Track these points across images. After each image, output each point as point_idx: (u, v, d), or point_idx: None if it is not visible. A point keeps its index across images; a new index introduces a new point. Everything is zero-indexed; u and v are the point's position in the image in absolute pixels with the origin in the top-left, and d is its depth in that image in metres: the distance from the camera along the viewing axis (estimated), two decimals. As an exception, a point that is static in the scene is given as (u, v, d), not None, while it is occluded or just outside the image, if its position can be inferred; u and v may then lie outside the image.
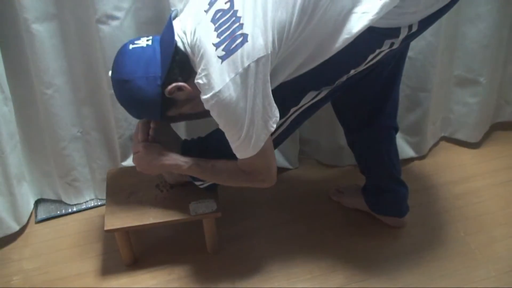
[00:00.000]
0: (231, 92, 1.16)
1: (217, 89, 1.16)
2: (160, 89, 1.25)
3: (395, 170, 1.63)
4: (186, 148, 1.51)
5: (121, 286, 1.58)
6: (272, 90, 1.27)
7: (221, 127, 1.24)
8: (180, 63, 1.25)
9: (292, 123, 1.40)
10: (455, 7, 1.77)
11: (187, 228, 1.70)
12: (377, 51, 1.26)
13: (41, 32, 1.49)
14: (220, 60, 1.15)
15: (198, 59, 1.20)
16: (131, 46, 1.27)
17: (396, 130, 1.61)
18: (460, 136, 2.05)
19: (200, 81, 1.19)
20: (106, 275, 1.61)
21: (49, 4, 1.48)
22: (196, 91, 1.24)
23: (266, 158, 1.31)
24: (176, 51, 1.24)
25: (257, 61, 1.14)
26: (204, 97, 1.19)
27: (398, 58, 1.46)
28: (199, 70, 1.20)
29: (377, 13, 1.14)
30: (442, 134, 2.08)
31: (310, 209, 1.81)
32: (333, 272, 1.59)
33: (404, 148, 1.95)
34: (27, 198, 1.80)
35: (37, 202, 1.86)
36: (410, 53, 1.68)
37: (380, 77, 1.46)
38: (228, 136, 1.25)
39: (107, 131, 1.75)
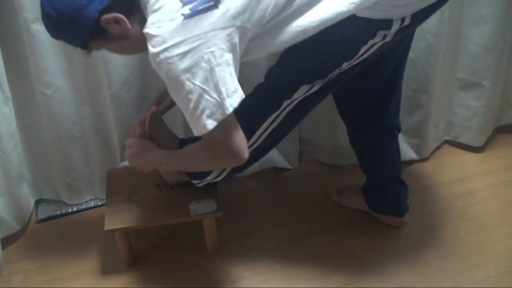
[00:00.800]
0: (183, 52, 1.07)
1: (168, 44, 1.07)
2: (97, 13, 1.11)
3: (396, 169, 1.64)
4: (182, 147, 1.50)
5: (121, 286, 1.58)
6: (264, 82, 1.25)
7: (169, 90, 1.16)
8: None
9: (287, 118, 1.37)
10: (458, 8, 1.78)
11: (187, 228, 1.70)
12: (370, 42, 1.24)
13: (41, 32, 1.49)
14: (182, 17, 1.08)
15: (154, 7, 1.11)
16: None
17: (398, 129, 1.61)
18: (463, 139, 2.03)
19: (150, 31, 1.09)
20: (106, 275, 1.61)
21: (49, 4, 1.48)
22: (134, 31, 1.16)
23: (226, 132, 1.18)
24: None
25: (222, 30, 1.08)
26: (152, 50, 1.09)
27: (400, 57, 1.46)
28: (151, 19, 1.11)
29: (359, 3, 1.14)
30: (446, 138, 2.07)
31: (310, 209, 1.81)
32: (333, 272, 1.59)
33: (406, 149, 1.94)
34: (28, 198, 1.80)
35: (37, 202, 1.86)
36: (411, 55, 1.67)
37: (383, 76, 1.46)
38: (177, 102, 1.17)
39: (107, 131, 1.75)
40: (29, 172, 1.78)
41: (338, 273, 1.58)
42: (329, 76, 1.31)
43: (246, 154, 1.22)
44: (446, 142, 2.08)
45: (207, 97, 1.11)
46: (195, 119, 1.14)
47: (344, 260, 1.62)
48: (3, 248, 1.69)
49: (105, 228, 1.51)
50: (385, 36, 1.24)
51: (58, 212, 1.83)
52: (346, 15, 1.16)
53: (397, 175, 1.65)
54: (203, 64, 1.09)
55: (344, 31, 1.19)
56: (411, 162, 1.97)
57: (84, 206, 1.85)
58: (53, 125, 1.66)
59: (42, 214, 1.82)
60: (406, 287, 1.53)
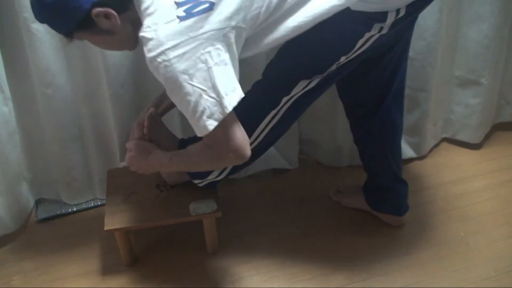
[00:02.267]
0: (180, 54, 1.09)
1: (165, 47, 1.09)
2: (90, 5, 1.12)
3: (397, 168, 1.64)
4: (182, 147, 1.50)
5: (121, 286, 1.58)
6: (262, 79, 1.26)
7: (168, 93, 1.18)
8: None
9: (286, 114, 1.37)
10: (456, 6, 1.78)
11: (187, 228, 1.70)
12: (366, 35, 1.24)
13: (41, 32, 1.49)
14: (178, 20, 1.09)
15: (149, 10, 1.12)
16: None
17: (401, 127, 1.61)
18: (461, 137, 2.04)
19: (146, 35, 1.11)
20: (106, 275, 1.61)
21: (49, 4, 1.48)
22: (121, 29, 1.18)
23: (227, 131, 1.18)
24: None
25: (218, 31, 1.10)
26: (149, 54, 1.11)
27: (400, 53, 1.45)
28: (147, 23, 1.12)
29: None
30: (444, 136, 2.08)
31: (310, 209, 1.81)
32: (333, 272, 1.59)
33: (404, 147, 1.94)
34: (27, 198, 1.80)
35: (37, 202, 1.86)
36: (409, 53, 1.68)
37: (385, 72, 1.46)
38: (177, 104, 1.18)
39: (106, 131, 1.75)
40: (29, 172, 1.78)
41: (338, 273, 1.58)
42: (327, 71, 1.31)
43: (248, 151, 1.23)
44: (444, 139, 2.08)
45: (206, 97, 1.12)
46: (195, 120, 1.15)
47: (344, 260, 1.62)
48: (2, 247, 1.69)
49: (105, 228, 1.51)
50: (381, 29, 1.24)
51: (58, 212, 1.83)
52: (339, 9, 1.17)
53: (398, 174, 1.65)
54: (201, 65, 1.10)
55: (340, 26, 1.19)
56: (409, 160, 1.97)
57: (84, 206, 1.85)
58: (53, 125, 1.66)
59: (42, 214, 1.82)
60: (406, 287, 1.53)
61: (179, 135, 1.74)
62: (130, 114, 1.68)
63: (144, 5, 1.13)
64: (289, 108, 1.36)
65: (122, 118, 1.69)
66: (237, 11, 1.12)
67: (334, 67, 1.30)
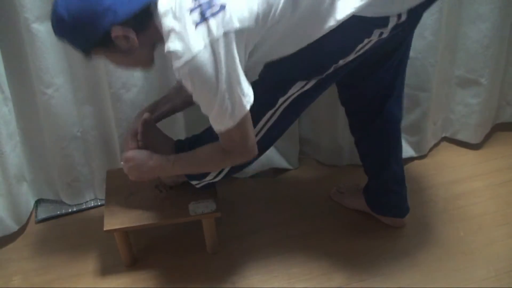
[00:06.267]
0: (206, 58, 1.11)
1: (190, 54, 1.11)
2: (110, 27, 1.14)
3: (399, 170, 1.63)
4: (179, 148, 1.50)
5: (121, 286, 1.58)
6: (258, 80, 1.27)
7: (194, 97, 1.19)
8: (143, 17, 1.17)
9: (283, 115, 1.38)
10: (456, 6, 1.78)
11: (187, 228, 1.70)
12: (366, 40, 1.25)
13: (41, 32, 1.49)
14: (194, 25, 1.11)
15: (168, 23, 1.14)
16: None
17: (399, 122, 1.60)
18: (461, 137, 2.04)
19: (171, 45, 1.13)
20: (106, 275, 1.61)
21: (49, 4, 1.47)
22: (139, 49, 1.20)
23: (243, 129, 1.23)
24: (148, 5, 1.17)
25: (232, 32, 1.11)
26: (176, 64, 1.13)
27: (399, 61, 1.45)
28: (172, 39, 1.14)
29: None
30: (443, 135, 2.08)
31: (310, 209, 1.81)
32: (333, 272, 1.58)
33: (404, 147, 1.93)
34: (27, 198, 1.80)
35: (37, 202, 1.86)
36: (410, 53, 1.68)
37: (388, 74, 1.46)
38: (203, 105, 1.20)
39: (107, 131, 1.75)
40: (29, 173, 1.78)
41: (338, 273, 1.58)
42: (325, 73, 1.31)
43: (256, 149, 1.29)
44: (444, 138, 2.08)
45: (229, 98, 1.15)
46: (219, 119, 1.19)
47: (344, 260, 1.62)
48: (2, 247, 1.69)
49: (104, 229, 1.51)
50: (381, 34, 1.25)
51: (58, 212, 1.83)
52: (348, 17, 1.17)
53: (399, 177, 1.64)
54: (223, 67, 1.12)
55: (341, 31, 1.19)
56: (409, 159, 1.97)
57: (84, 206, 1.85)
58: (53, 125, 1.66)
59: (42, 214, 1.82)
60: (406, 287, 1.53)
61: (183, 134, 1.74)
62: (131, 114, 1.67)
63: (164, 23, 1.14)
64: (285, 108, 1.36)
65: (122, 118, 1.68)
66: (247, 12, 1.12)
67: (331, 69, 1.30)
